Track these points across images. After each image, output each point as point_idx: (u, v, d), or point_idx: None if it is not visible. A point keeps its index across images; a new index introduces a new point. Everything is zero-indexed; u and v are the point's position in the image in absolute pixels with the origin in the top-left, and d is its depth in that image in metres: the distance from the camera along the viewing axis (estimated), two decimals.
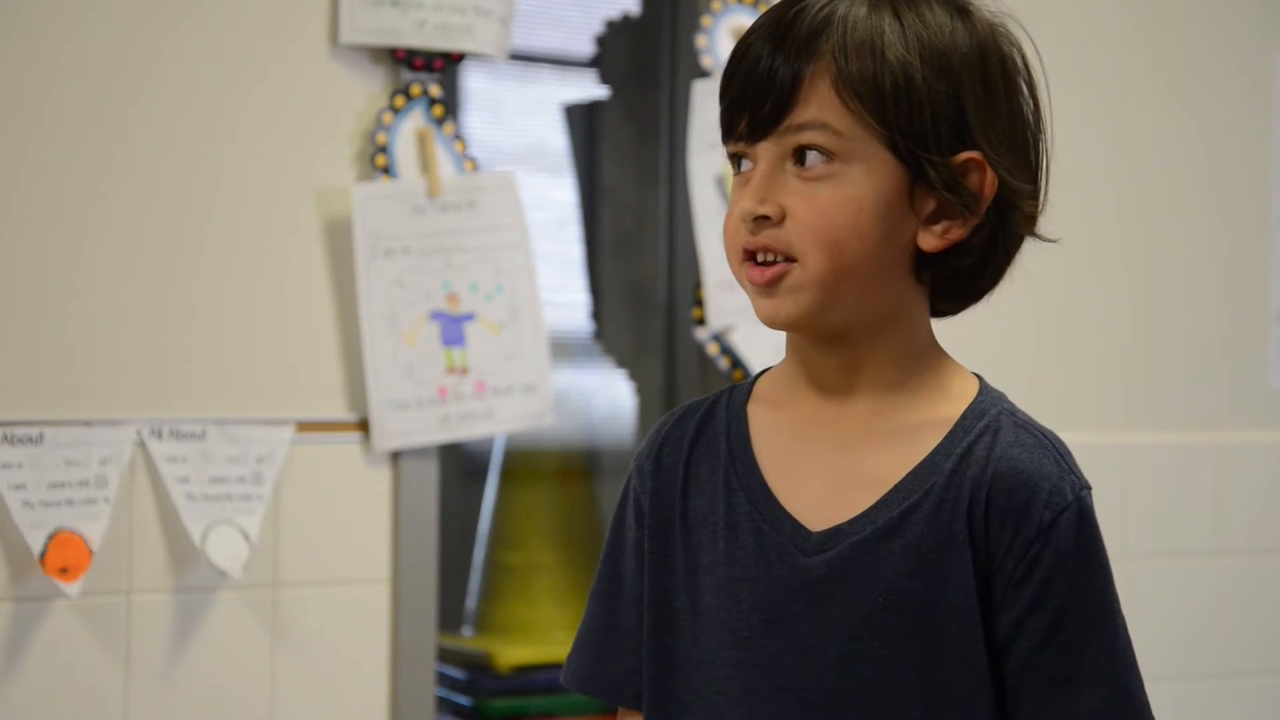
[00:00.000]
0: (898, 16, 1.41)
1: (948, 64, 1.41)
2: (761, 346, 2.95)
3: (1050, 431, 1.45)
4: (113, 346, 2.55)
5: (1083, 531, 1.40)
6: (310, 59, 2.68)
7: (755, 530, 1.44)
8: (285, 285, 2.66)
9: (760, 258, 1.42)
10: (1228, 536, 3.38)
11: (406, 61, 2.73)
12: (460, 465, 3.26)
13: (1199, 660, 3.34)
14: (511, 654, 3.02)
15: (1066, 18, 3.28)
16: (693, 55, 3.03)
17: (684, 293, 3.13)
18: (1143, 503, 3.30)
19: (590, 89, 3.38)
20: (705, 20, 3.01)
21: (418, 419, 2.71)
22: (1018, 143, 1.45)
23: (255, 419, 2.61)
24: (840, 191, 1.40)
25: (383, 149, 2.71)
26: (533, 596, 3.18)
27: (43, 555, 2.42)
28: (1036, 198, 1.46)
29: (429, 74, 2.76)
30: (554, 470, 3.27)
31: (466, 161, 2.79)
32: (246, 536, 2.56)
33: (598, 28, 3.37)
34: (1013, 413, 1.45)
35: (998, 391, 1.48)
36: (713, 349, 3.00)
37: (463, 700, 3.02)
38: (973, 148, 1.41)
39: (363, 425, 2.69)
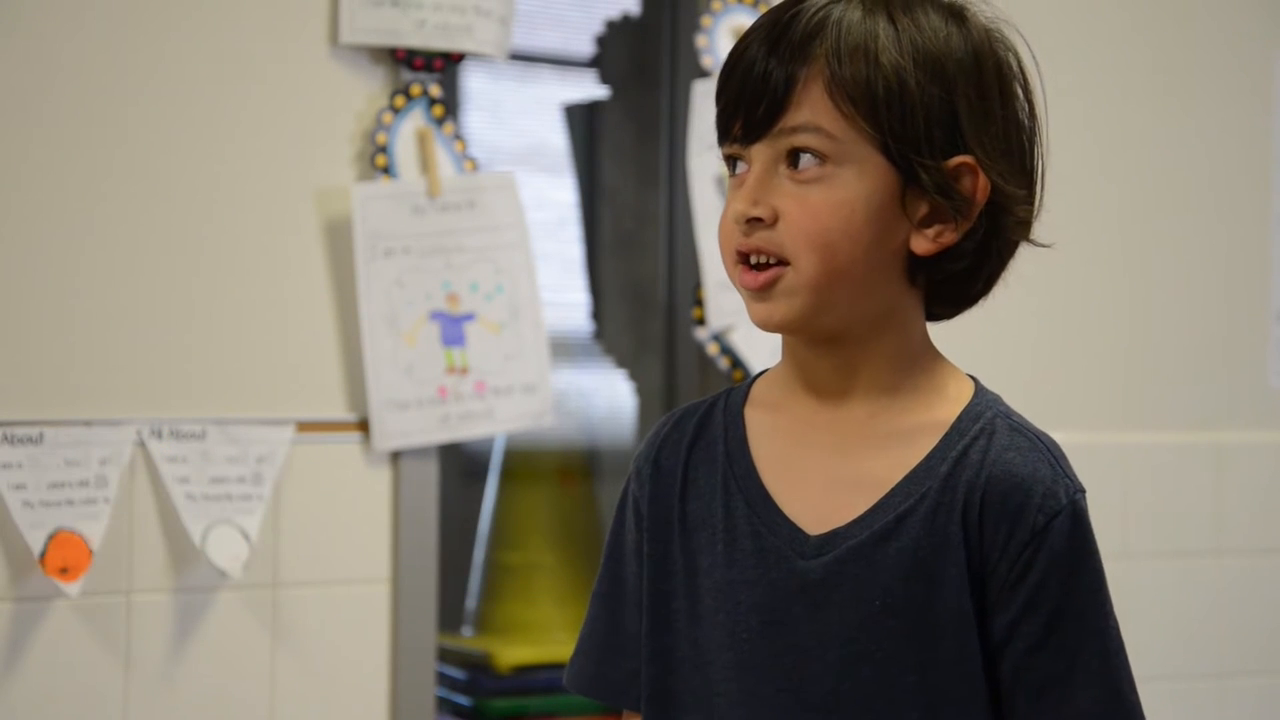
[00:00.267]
0: (892, 21, 1.41)
1: (941, 68, 1.41)
2: (761, 347, 2.95)
3: (1045, 434, 1.46)
4: (113, 346, 2.55)
5: (1076, 535, 1.41)
6: (310, 59, 2.68)
7: (753, 534, 1.45)
8: (285, 285, 2.67)
9: (753, 260, 1.43)
10: (1228, 536, 3.38)
11: (406, 61, 2.73)
12: (460, 465, 3.26)
13: (1199, 660, 3.34)
14: (511, 654, 3.02)
15: (1066, 18, 3.28)
16: (693, 55, 3.03)
17: (684, 293, 3.13)
18: (1143, 503, 3.30)
19: (590, 89, 3.38)
20: (705, 20, 3.01)
21: (418, 419, 2.71)
22: (1012, 148, 1.45)
23: (255, 419, 2.61)
24: (833, 194, 1.40)
25: (383, 149, 2.71)
26: (533, 596, 3.18)
27: (43, 555, 2.42)
28: (1031, 203, 1.46)
29: (429, 74, 2.76)
30: (554, 470, 3.27)
31: (466, 161, 2.79)
32: (246, 536, 2.56)
33: (598, 28, 3.37)
34: (1008, 415, 1.46)
35: (993, 394, 1.48)
36: (713, 349, 3.00)
37: (463, 700, 3.02)
38: (965, 152, 1.42)
39: (363, 425, 2.69)
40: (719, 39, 3.01)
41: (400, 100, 2.72)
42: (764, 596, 1.43)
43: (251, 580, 2.59)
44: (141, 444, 2.53)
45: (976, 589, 1.40)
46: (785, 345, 1.49)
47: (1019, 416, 1.46)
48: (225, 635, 2.59)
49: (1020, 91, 1.47)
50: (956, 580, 1.40)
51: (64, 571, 2.43)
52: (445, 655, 3.01)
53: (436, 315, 2.74)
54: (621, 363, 3.37)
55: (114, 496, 2.49)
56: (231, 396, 2.61)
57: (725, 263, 1.46)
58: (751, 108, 1.41)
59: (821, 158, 1.40)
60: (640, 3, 3.35)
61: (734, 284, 1.46)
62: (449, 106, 2.79)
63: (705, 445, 1.51)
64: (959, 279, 1.46)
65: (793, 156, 1.41)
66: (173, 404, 2.57)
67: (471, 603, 3.21)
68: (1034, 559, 1.39)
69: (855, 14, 1.41)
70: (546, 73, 3.38)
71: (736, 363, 2.99)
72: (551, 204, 3.34)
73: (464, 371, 2.75)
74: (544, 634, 3.12)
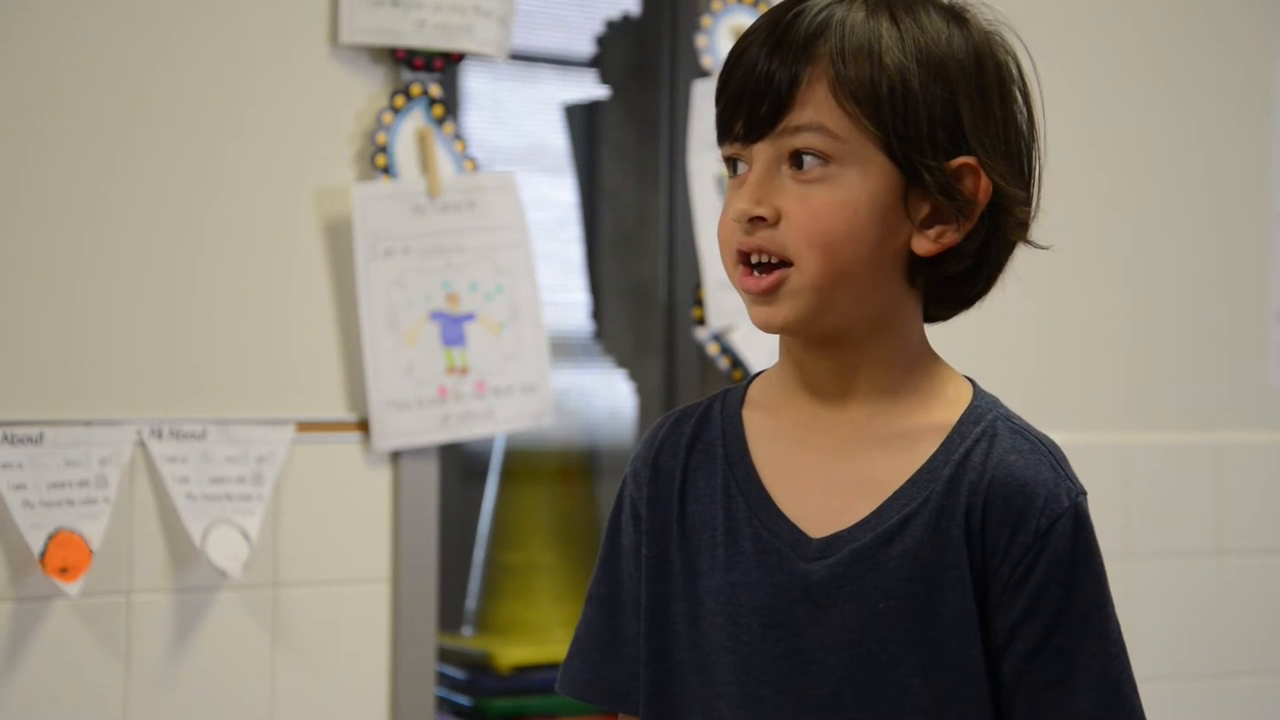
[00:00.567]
0: (895, 22, 1.42)
1: (944, 70, 1.41)
2: (761, 347, 2.95)
3: (1046, 436, 1.46)
4: (113, 346, 2.55)
5: (1078, 537, 1.41)
6: (310, 59, 2.68)
7: (755, 536, 1.45)
8: (285, 285, 2.67)
9: (754, 259, 1.42)
10: (1228, 536, 3.38)
11: (406, 61, 2.73)
12: (460, 465, 3.26)
13: (1199, 660, 3.34)
14: (511, 654, 3.02)
15: (1066, 17, 3.28)
16: (693, 55, 3.03)
17: (684, 293, 3.13)
18: (1143, 503, 3.30)
19: (590, 89, 3.38)
20: (705, 20, 3.01)
21: (418, 419, 2.71)
22: (1011, 149, 1.45)
23: (255, 419, 2.61)
24: (835, 194, 1.40)
25: (383, 149, 2.71)
26: (533, 596, 3.18)
27: (43, 555, 2.42)
28: (1029, 204, 1.47)
29: (429, 74, 2.76)
30: (554, 470, 3.27)
31: (466, 161, 2.79)
32: (246, 536, 2.56)
33: (598, 28, 3.37)
34: (1008, 418, 1.46)
35: (991, 396, 1.48)
36: (713, 349, 3.00)
37: (463, 700, 3.02)
38: (968, 153, 1.42)
39: (363, 425, 2.69)
40: (719, 39, 3.01)
41: (400, 100, 2.72)
42: (766, 599, 1.43)
43: (251, 580, 2.59)
44: (141, 444, 2.53)
45: (979, 591, 1.41)
46: (784, 347, 1.49)
47: (1019, 419, 1.47)
48: (225, 635, 2.59)
49: (1019, 95, 1.47)
50: (959, 582, 1.40)
51: (64, 571, 2.43)
52: (445, 655, 3.01)
53: (436, 315, 2.74)
54: (621, 363, 3.37)
55: (114, 496, 2.49)
56: (231, 396, 2.61)
57: (725, 263, 1.46)
58: (754, 107, 1.41)
59: (825, 158, 1.40)
60: (640, 3, 3.35)
61: (733, 284, 1.46)
62: (449, 106, 2.79)
63: (704, 447, 1.51)
64: (959, 280, 1.46)
65: (795, 156, 1.41)
66: (173, 404, 2.57)
67: (471, 603, 3.21)
68: (1036, 562, 1.40)
69: (858, 14, 1.41)
70: (546, 73, 3.38)
71: (736, 363, 2.99)
72: (551, 204, 3.34)
73: (464, 371, 2.75)
74: (544, 634, 3.12)
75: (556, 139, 3.37)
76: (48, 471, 2.45)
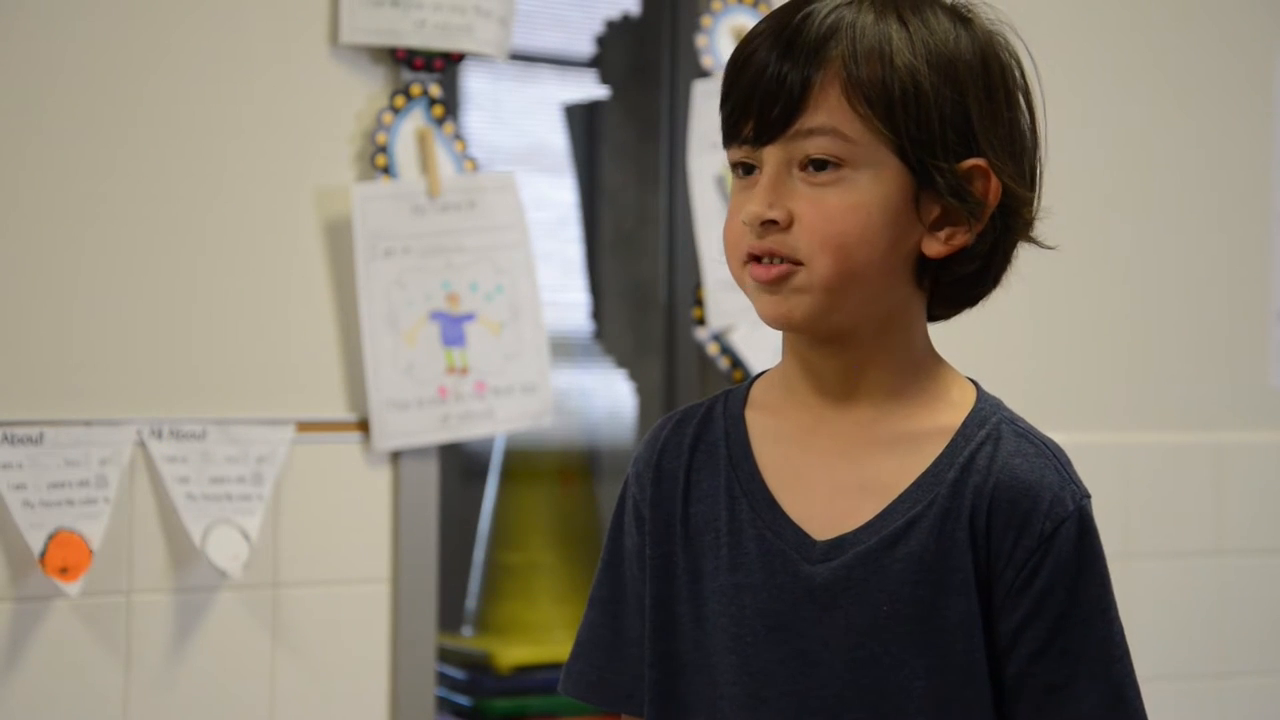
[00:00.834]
0: (904, 23, 1.41)
1: (954, 71, 1.41)
2: (761, 347, 2.95)
3: (1050, 440, 1.46)
4: (113, 346, 2.55)
5: (1083, 541, 1.41)
6: (310, 59, 2.68)
7: (759, 537, 1.45)
8: (285, 285, 2.66)
9: (765, 261, 1.42)
10: (1228, 536, 3.38)
11: (406, 61, 2.73)
12: (460, 465, 3.26)
13: (1199, 660, 3.34)
14: (511, 654, 3.02)
15: (1066, 17, 3.28)
16: (693, 55, 3.03)
17: (684, 293, 3.13)
18: (1143, 503, 3.30)
19: (590, 89, 3.37)
20: (705, 20, 3.01)
21: (418, 419, 2.71)
22: (1017, 150, 1.45)
23: (255, 419, 2.61)
24: (848, 197, 1.40)
25: (383, 149, 2.71)
26: (533, 596, 3.17)
27: (43, 555, 2.42)
28: (1033, 204, 1.47)
29: (429, 74, 2.76)
30: (554, 470, 3.27)
31: (466, 161, 2.79)
32: (246, 536, 2.56)
33: (598, 28, 3.37)
34: (1013, 420, 1.46)
35: (995, 398, 1.48)
36: (713, 349, 3.00)
37: (463, 700, 3.02)
38: (978, 154, 1.42)
39: (363, 425, 2.69)
40: (719, 39, 3.01)
41: (400, 100, 2.72)
42: (769, 601, 1.43)
43: (251, 580, 2.59)
44: (141, 444, 2.53)
45: (983, 594, 1.41)
46: (789, 346, 1.49)
47: (1023, 421, 1.47)
48: (225, 635, 2.59)
49: (1022, 96, 1.47)
50: (963, 585, 1.40)
51: (64, 571, 2.43)
52: (445, 655, 3.01)
53: (436, 315, 2.74)
54: (621, 363, 3.37)
55: (114, 496, 2.49)
56: (231, 396, 2.61)
57: (732, 264, 1.45)
58: (765, 110, 1.40)
59: (837, 161, 1.40)
60: (640, 3, 3.35)
61: (741, 284, 1.45)
62: (449, 106, 2.79)
63: (707, 448, 1.50)
64: (967, 281, 1.46)
65: (807, 159, 1.40)
66: (173, 404, 2.57)
67: (471, 603, 3.21)
68: (1041, 565, 1.40)
69: (868, 17, 1.41)
70: (546, 73, 3.38)
71: (736, 363, 2.98)
72: (551, 204, 3.34)
73: (464, 371, 2.75)
74: (544, 634, 3.12)
75: (556, 139, 3.37)
76: (48, 471, 2.45)
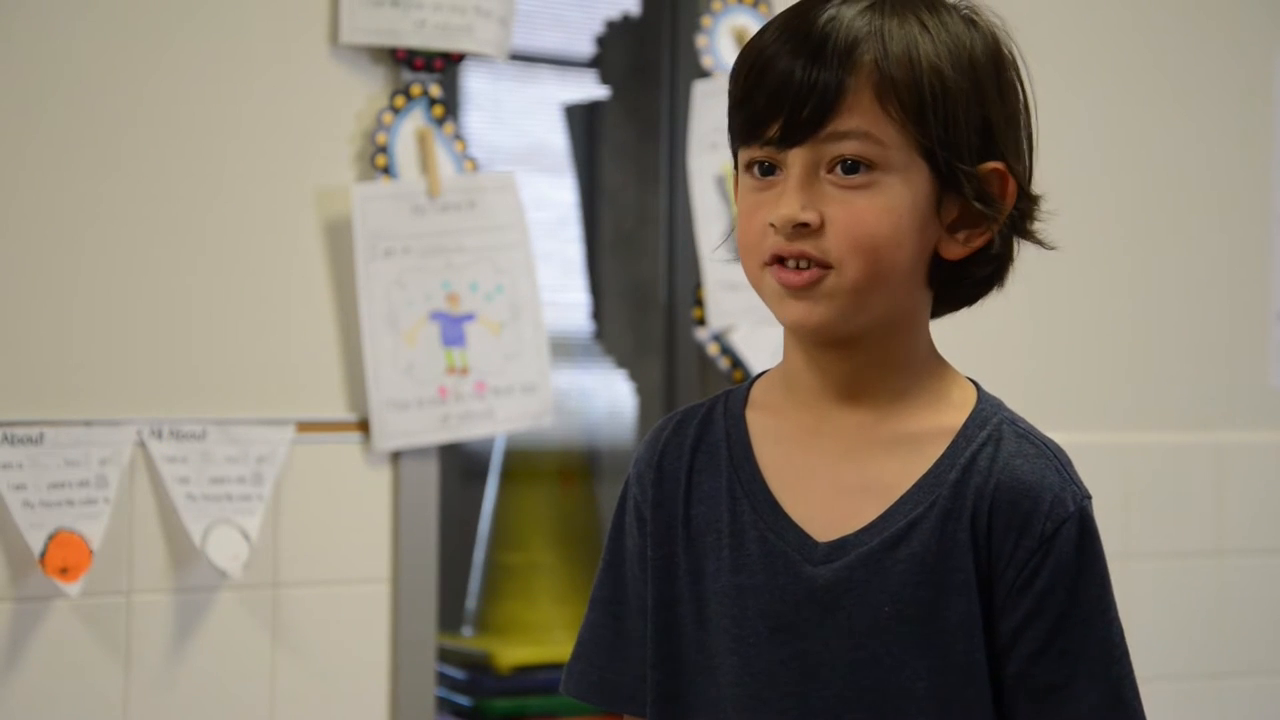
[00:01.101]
0: (924, 26, 1.42)
1: (974, 73, 1.43)
2: (761, 347, 2.94)
3: (1051, 440, 1.46)
4: (113, 346, 2.55)
5: (1083, 541, 1.41)
6: (310, 59, 2.68)
7: (760, 539, 1.45)
8: (285, 285, 2.66)
9: (791, 263, 1.41)
10: (1228, 536, 3.38)
11: (406, 61, 2.73)
12: (460, 465, 3.25)
13: (1199, 660, 3.34)
14: (511, 654, 3.02)
15: (1067, 17, 3.28)
16: (693, 55, 3.03)
17: (684, 293, 3.13)
18: (1143, 503, 3.30)
19: (590, 89, 3.37)
20: (705, 20, 3.01)
21: (418, 419, 2.71)
22: (1024, 151, 1.47)
23: (255, 419, 2.61)
24: (878, 200, 1.40)
25: (383, 149, 2.71)
26: (533, 596, 3.17)
27: (43, 555, 2.42)
28: (1038, 204, 1.47)
29: (429, 74, 2.76)
30: (554, 470, 3.27)
31: (466, 161, 2.79)
32: (246, 536, 2.56)
33: (598, 28, 3.36)
34: (1013, 421, 1.46)
35: (995, 398, 1.49)
36: (713, 349, 3.00)
37: (463, 700, 3.02)
38: (997, 156, 1.43)
39: (363, 425, 2.69)
40: (719, 39, 3.01)
41: (400, 100, 2.72)
42: (772, 602, 1.43)
43: (251, 580, 2.59)
44: (141, 444, 2.53)
45: (984, 594, 1.41)
46: (792, 347, 1.49)
47: (1024, 422, 1.47)
48: (225, 635, 2.59)
49: (1023, 94, 1.47)
50: (965, 586, 1.40)
51: (64, 571, 2.43)
52: (445, 655, 3.01)
53: (436, 315, 2.74)
54: (621, 363, 3.37)
55: (114, 496, 2.49)
56: (231, 396, 2.61)
57: (749, 265, 1.45)
58: (795, 112, 1.40)
59: (869, 164, 1.40)
60: (640, 3, 3.35)
61: (757, 286, 1.44)
62: (449, 106, 2.79)
63: (708, 449, 1.50)
64: (981, 282, 1.47)
65: (836, 161, 1.40)
66: (173, 404, 2.57)
67: (471, 603, 3.21)
68: (1041, 565, 1.40)
69: (892, 21, 1.41)
70: (546, 73, 3.38)
71: (736, 363, 2.98)
72: (551, 204, 3.34)
73: (464, 371, 2.75)
74: (544, 634, 3.12)
75: (556, 139, 3.37)
76: (48, 471, 2.45)
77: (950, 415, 1.45)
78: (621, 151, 3.35)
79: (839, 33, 1.40)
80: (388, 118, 2.71)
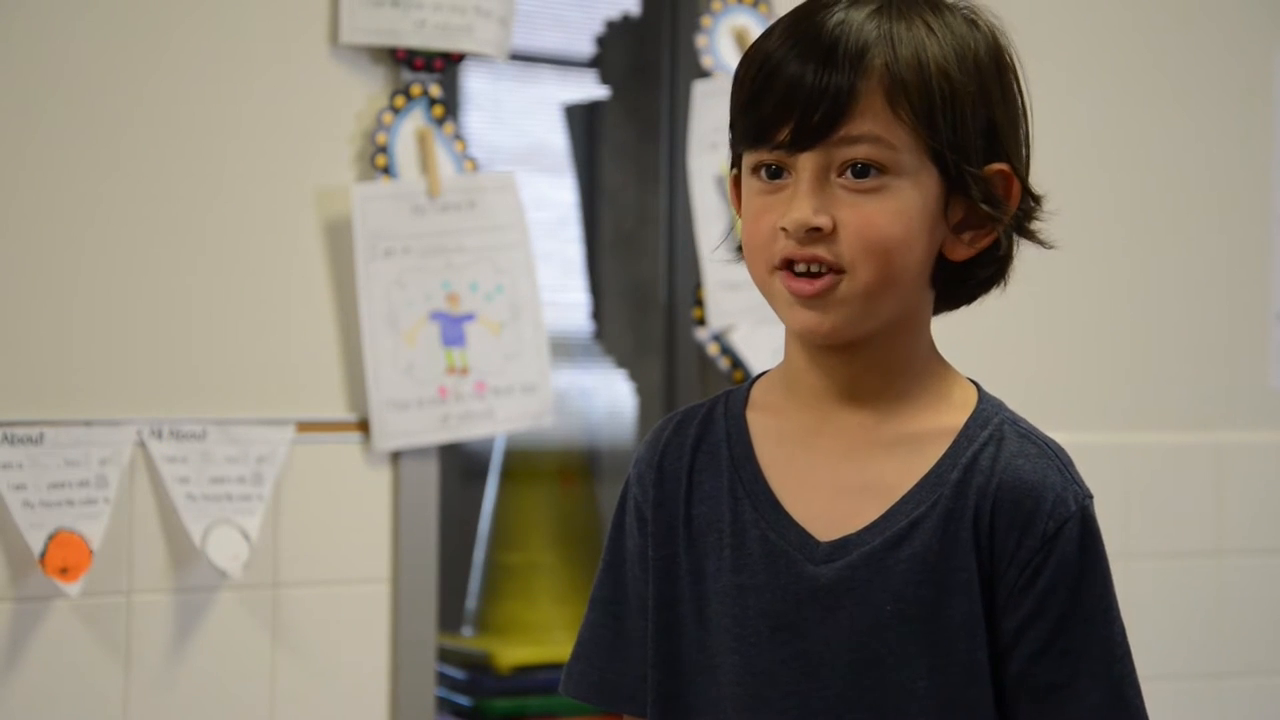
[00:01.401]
0: (930, 29, 1.42)
1: (979, 75, 1.43)
2: (761, 347, 2.94)
3: (1052, 440, 1.46)
4: (113, 346, 2.55)
5: (1085, 541, 1.42)
6: (310, 59, 2.68)
7: (762, 538, 1.45)
8: (285, 285, 2.66)
9: (802, 268, 1.41)
10: (1228, 536, 3.38)
11: (406, 61, 2.73)
12: (460, 465, 3.26)
13: (1199, 660, 3.34)
14: (511, 654, 3.02)
15: (1066, 17, 3.28)
16: (693, 55, 3.03)
17: (684, 293, 3.13)
18: (1143, 503, 3.30)
19: (590, 89, 3.37)
20: (705, 20, 3.01)
21: (418, 419, 2.71)
22: (1024, 151, 1.47)
23: (255, 419, 2.61)
24: (889, 204, 1.40)
25: (383, 149, 2.71)
26: (533, 596, 3.17)
27: (43, 555, 2.42)
28: (1041, 205, 1.48)
29: (429, 74, 2.76)
30: (554, 470, 3.27)
31: (466, 161, 2.79)
32: (246, 536, 2.56)
33: (598, 28, 3.36)
34: (1015, 421, 1.46)
35: (996, 399, 1.49)
36: (713, 349, 3.00)
37: (463, 700, 3.02)
38: (1002, 158, 1.44)
39: (363, 425, 2.69)
40: (719, 39, 3.01)
41: (400, 100, 2.72)
42: (773, 602, 1.43)
43: (251, 580, 2.59)
44: (141, 444, 2.53)
45: (986, 594, 1.41)
46: (796, 348, 1.49)
47: (1025, 422, 1.47)
48: (225, 635, 2.59)
49: (1021, 95, 1.48)
50: (967, 586, 1.41)
51: (64, 571, 2.43)
52: (445, 655, 3.01)
53: (436, 315, 2.74)
54: (621, 363, 3.37)
55: (114, 496, 2.49)
56: (231, 396, 2.61)
57: (757, 269, 1.44)
58: (806, 116, 1.40)
59: (880, 168, 1.40)
60: (640, 3, 3.35)
61: (765, 290, 1.44)
62: (449, 106, 2.79)
63: (709, 449, 1.51)
64: (983, 282, 1.48)
65: (847, 165, 1.40)
66: (173, 404, 2.57)
67: (471, 603, 3.21)
68: (1043, 565, 1.40)
69: (900, 24, 1.41)
70: (546, 73, 3.38)
71: (736, 363, 2.98)
72: (551, 204, 3.34)
73: (464, 371, 2.75)
74: (544, 634, 3.12)
75: (556, 139, 3.37)
76: (48, 471, 2.45)
77: (951, 415, 1.45)
78: (621, 151, 3.35)
79: (849, 36, 1.40)
80: (388, 118, 2.72)
